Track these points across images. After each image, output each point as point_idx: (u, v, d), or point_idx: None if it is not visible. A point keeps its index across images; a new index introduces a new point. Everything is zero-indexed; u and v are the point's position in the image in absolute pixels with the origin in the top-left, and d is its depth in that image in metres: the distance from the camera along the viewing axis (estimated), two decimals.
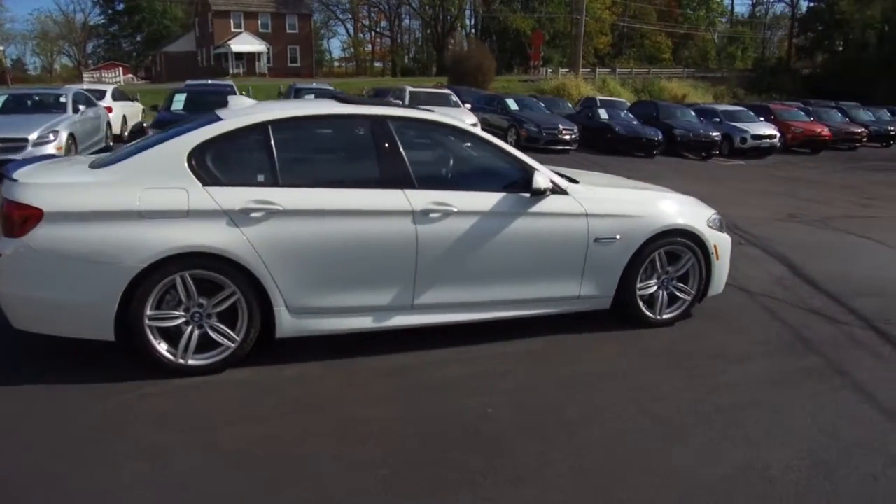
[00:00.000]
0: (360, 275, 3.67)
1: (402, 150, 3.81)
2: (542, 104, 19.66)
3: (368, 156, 3.82)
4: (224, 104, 13.38)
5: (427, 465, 2.77)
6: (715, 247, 4.60)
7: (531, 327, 4.26)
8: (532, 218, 3.99)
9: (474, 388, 3.53)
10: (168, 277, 3.32)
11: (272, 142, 3.61)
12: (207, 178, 3.43)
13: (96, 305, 3.28)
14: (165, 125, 11.39)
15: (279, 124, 3.67)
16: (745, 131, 19.72)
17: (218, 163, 3.50)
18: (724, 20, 67.03)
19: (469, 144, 4.20)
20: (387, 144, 3.79)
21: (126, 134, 15.14)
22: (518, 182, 4.03)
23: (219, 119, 3.66)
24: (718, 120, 20.78)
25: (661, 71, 44.93)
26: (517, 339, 4.19)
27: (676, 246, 4.47)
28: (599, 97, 26.52)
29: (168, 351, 3.41)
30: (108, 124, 13.00)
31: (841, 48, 42.19)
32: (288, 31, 49.29)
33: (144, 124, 17.78)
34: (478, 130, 4.15)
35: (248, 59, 46.53)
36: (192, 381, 3.41)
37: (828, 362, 4.17)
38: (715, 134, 18.97)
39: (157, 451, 2.78)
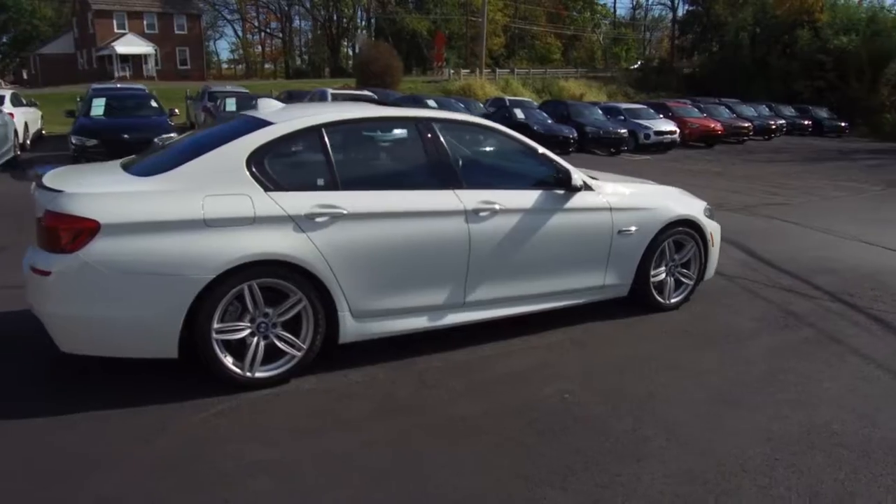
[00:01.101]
0: (417, 275, 3.69)
1: (448, 151, 3.87)
2: (462, 105, 19.95)
3: (418, 157, 3.85)
4: (143, 108, 12.72)
5: (544, 452, 2.87)
6: (711, 234, 4.97)
7: (554, 319, 4.41)
8: (566, 213, 4.17)
9: (541, 377, 3.66)
10: (236, 288, 3.20)
11: (328, 145, 3.56)
12: (269, 184, 3.34)
13: (160, 322, 3.12)
14: (90, 132, 10.72)
15: (332, 127, 3.63)
16: (649, 128, 20.98)
17: (276, 167, 3.41)
18: (606, 22, 70.62)
19: (503, 144, 4.30)
20: (435, 146, 3.84)
21: (28, 142, 14.00)
22: (551, 179, 4.19)
23: (267, 123, 3.55)
24: (623, 118, 21.96)
25: (557, 71, 46.67)
26: (550, 331, 4.35)
27: (682, 235, 4.80)
28: (508, 97, 27.18)
29: (234, 364, 3.29)
30: (16, 132, 11.97)
31: (718, 49, 45.47)
32: (176, 31, 46.97)
33: (43, 132, 16.51)
34: (511, 131, 4.28)
35: (135, 61, 43.94)
36: (261, 394, 3.32)
37: (820, 333, 4.63)
38: (622, 131, 20.06)
39: (268, 465, 2.70)
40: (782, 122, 28.19)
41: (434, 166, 3.83)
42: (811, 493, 2.66)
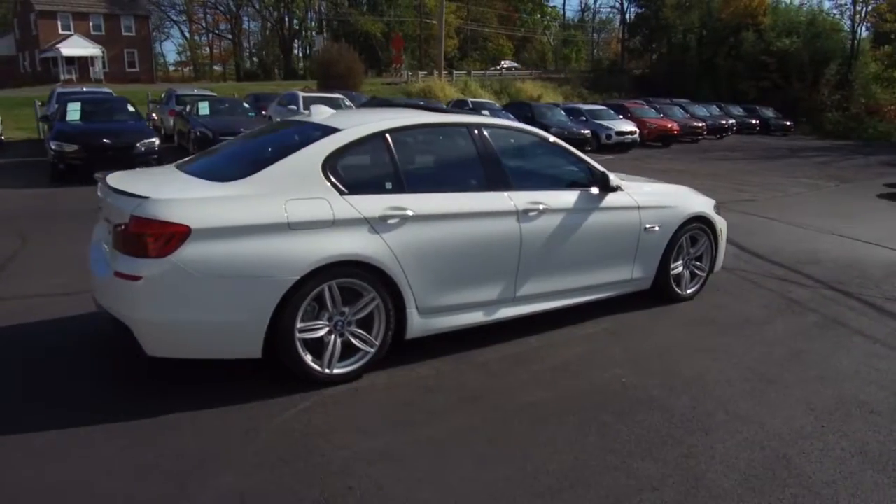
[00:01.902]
0: (475, 272, 3.91)
1: (498, 154, 4.10)
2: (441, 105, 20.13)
3: (472, 161, 4.07)
4: (120, 112, 12.50)
5: (622, 430, 3.14)
6: (720, 229, 5.34)
7: (582, 312, 4.68)
8: (601, 212, 4.45)
9: (592, 364, 3.94)
10: (317, 288, 3.36)
11: (392, 149, 3.74)
12: (343, 187, 3.50)
13: (248, 323, 3.25)
14: (69, 137, 10.51)
15: (396, 133, 3.81)
16: (610, 128, 21.63)
17: (349, 172, 3.57)
18: (556, 23, 71.87)
19: (543, 147, 4.55)
20: (486, 149, 4.07)
21: None
22: (587, 180, 4.47)
23: (335, 129, 3.71)
24: (585, 118, 22.58)
25: (512, 73, 47.30)
26: (583, 323, 4.62)
27: (696, 231, 5.15)
28: (470, 99, 27.53)
29: (314, 362, 3.44)
30: None
31: (666, 50, 46.94)
32: (124, 33, 45.68)
33: (2, 136, 15.99)
34: (548, 134, 4.54)
35: (81, 63, 42.55)
36: (340, 390, 3.46)
37: (824, 317, 5.04)
38: (585, 131, 20.66)
39: (377, 454, 2.87)
40: (733, 121, 29.39)
41: (486, 169, 4.06)
42: (861, 452, 3.00)
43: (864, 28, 37.38)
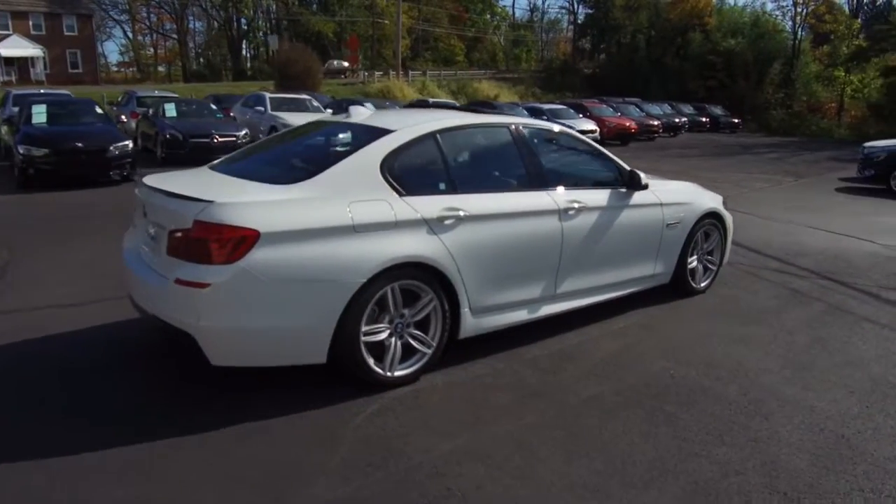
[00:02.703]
0: (521, 271, 3.97)
1: (537, 154, 4.17)
2: (398, 107, 20.08)
3: (514, 161, 4.13)
4: (87, 115, 12.12)
5: (687, 418, 3.25)
6: (728, 225, 5.55)
7: (606, 309, 4.76)
8: (630, 209, 4.58)
9: (636, 357, 4.05)
10: (381, 291, 3.35)
11: (444, 150, 3.77)
12: (401, 189, 3.50)
13: (315, 328, 3.22)
14: (38, 141, 10.09)
15: (444, 134, 3.83)
16: (572, 127, 21.70)
17: (404, 173, 3.58)
18: (505, 24, 72.59)
19: (575, 147, 4.64)
20: (528, 149, 4.14)
21: None
22: (616, 178, 4.59)
23: (387, 130, 3.70)
24: (546, 118, 22.86)
25: (468, 73, 47.59)
26: (612, 319, 4.73)
27: (709, 226, 5.34)
28: (431, 99, 27.63)
29: (377, 365, 3.43)
30: None
31: (616, 50, 48.02)
32: (66, 33, 43.96)
33: None
34: (580, 135, 4.63)
35: (20, 64, 40.78)
36: (402, 393, 3.46)
37: (829, 306, 5.30)
38: None
39: (463, 452, 2.89)
40: (685, 119, 30.33)
41: (527, 168, 4.12)
42: None
43: (803, 29, 38.94)
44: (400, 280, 3.42)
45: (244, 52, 59.24)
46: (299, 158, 3.98)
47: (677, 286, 5.23)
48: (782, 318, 4.92)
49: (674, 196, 4.97)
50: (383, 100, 27.08)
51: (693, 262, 5.30)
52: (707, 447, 3.00)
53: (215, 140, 13.12)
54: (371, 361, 3.41)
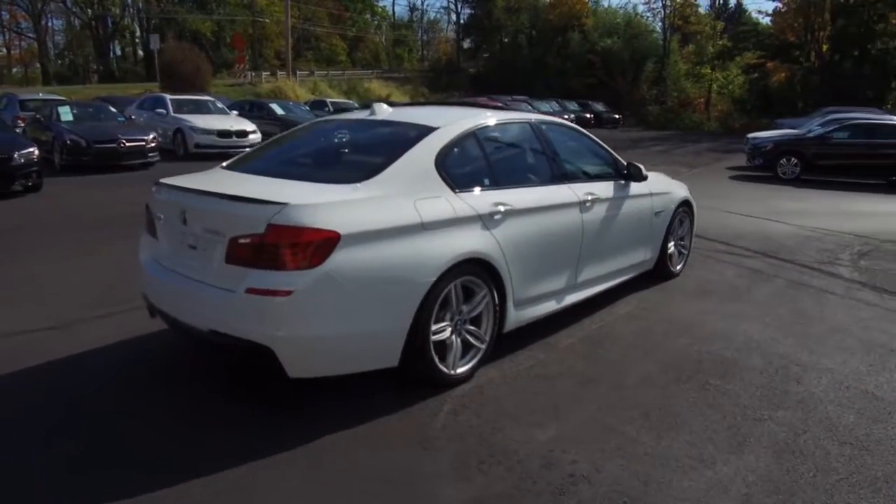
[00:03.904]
0: (552, 262, 4.10)
1: (557, 149, 4.33)
2: (305, 107, 19.67)
3: (539, 155, 4.25)
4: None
5: (736, 389, 3.53)
6: (695, 211, 5.99)
7: (605, 295, 4.96)
8: (630, 199, 4.85)
9: (661, 337, 4.32)
10: (447, 288, 3.36)
11: (483, 147, 3.82)
12: (454, 185, 3.52)
13: (392, 330, 3.17)
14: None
15: (482, 130, 3.89)
16: None
17: (454, 169, 3.59)
18: (386, 23, 72.58)
19: (582, 141, 4.83)
20: (550, 145, 4.29)
21: None
22: (615, 170, 4.84)
23: (432, 127, 3.68)
24: None
25: (356, 73, 47.21)
26: (615, 304, 4.98)
27: (683, 213, 5.74)
28: (329, 100, 27.24)
29: (441, 364, 3.44)
30: None
31: (499, 50, 49.41)
32: None
33: None
34: (582, 129, 4.83)
35: None
36: (466, 389, 3.47)
37: (788, 281, 5.88)
38: None
39: (565, 441, 2.98)
40: (572, 115, 31.70)
41: (550, 163, 4.27)
42: None
43: (671, 30, 41.94)
44: (461, 277, 3.44)
45: (113, 52, 55.25)
46: (345, 157, 3.89)
47: (659, 271, 5.58)
48: (757, 295, 5.39)
49: (658, 186, 5.30)
50: (284, 100, 26.36)
51: (671, 247, 5.67)
52: (768, 412, 3.28)
53: (122, 145, 12.28)
54: (436, 359, 3.41)
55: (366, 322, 3.10)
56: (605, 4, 47.70)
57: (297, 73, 41.52)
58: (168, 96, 16.23)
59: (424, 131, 3.66)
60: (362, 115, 4.38)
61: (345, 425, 3.07)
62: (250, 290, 2.92)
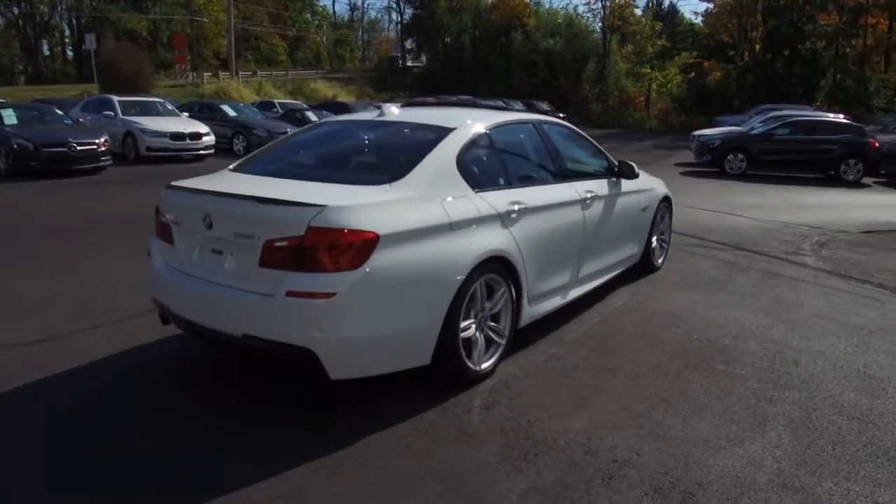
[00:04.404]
0: (559, 259, 4.24)
1: (559, 148, 4.47)
2: (255, 109, 19.33)
3: (545, 155, 4.38)
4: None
5: (743, 374, 3.74)
6: (672, 207, 6.26)
7: (596, 291, 5.16)
8: (622, 196, 5.04)
9: (660, 327, 4.51)
10: (473, 286, 3.43)
11: (496, 147, 3.92)
12: (474, 185, 3.60)
13: (426, 329, 3.22)
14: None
15: (493, 130, 3.98)
16: None
17: (472, 169, 3.67)
18: (327, 23, 71.81)
19: (577, 140, 4.98)
20: (552, 144, 4.42)
21: None
22: (607, 168, 5.02)
23: (449, 128, 3.75)
24: None
25: (300, 73, 46.57)
26: (608, 298, 5.16)
27: (664, 209, 5.99)
28: (277, 101, 26.78)
29: (468, 360, 3.51)
30: None
31: (443, 50, 49.61)
32: None
33: None
34: (577, 129, 4.98)
35: None
36: (490, 385, 3.54)
37: (761, 272, 6.22)
38: None
39: (611, 428, 3.12)
40: None
41: (554, 162, 4.41)
42: None
43: (611, 31, 43.05)
44: (485, 274, 3.52)
45: (42, 52, 52.69)
46: (366, 158, 3.91)
47: (644, 265, 5.80)
48: (736, 285, 5.67)
49: (644, 183, 5.52)
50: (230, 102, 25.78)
51: (654, 241, 5.90)
52: (776, 392, 3.50)
53: (73, 148, 11.81)
54: (465, 357, 3.48)
55: (402, 321, 3.15)
56: (547, 5, 48.37)
57: (240, 73, 40.61)
58: (115, 98, 15.67)
59: (443, 132, 3.72)
60: (370, 115, 4.41)
61: (383, 425, 3.10)
62: (291, 293, 2.93)
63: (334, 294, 2.91)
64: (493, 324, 3.70)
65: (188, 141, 14.87)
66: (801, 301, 5.20)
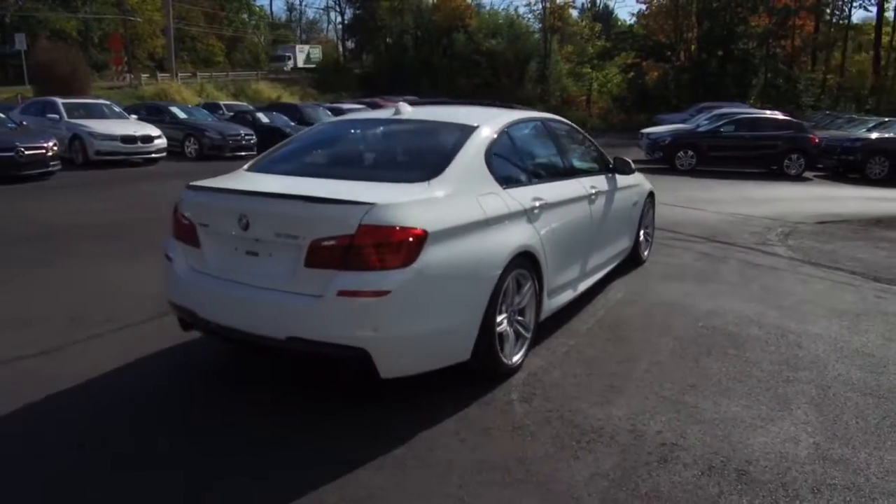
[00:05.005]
0: (572, 253, 4.35)
1: (566, 145, 4.59)
2: (206, 111, 18.84)
3: (551, 152, 4.50)
4: None
5: (756, 357, 3.94)
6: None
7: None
8: (619, 191, 5.21)
9: (664, 316, 4.69)
10: (506, 281, 3.49)
11: (515, 143, 4.00)
12: (501, 182, 3.67)
13: (468, 324, 3.25)
14: None
15: (512, 128, 4.05)
16: None
17: (498, 166, 3.72)
18: (264, 23, 70.48)
19: (577, 137, 5.11)
20: (560, 141, 4.56)
21: None
22: (605, 164, 5.18)
23: (473, 125, 3.79)
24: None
25: (241, 74, 45.60)
26: (608, 290, 5.32)
27: (649, 203, 6.21)
28: (223, 103, 26.23)
29: (501, 354, 3.57)
30: None
31: (385, 50, 49.47)
32: None
33: None
34: (576, 126, 5.12)
35: None
36: (521, 379, 3.61)
37: (741, 262, 6.54)
38: None
39: (651, 413, 3.23)
40: None
41: (562, 158, 4.54)
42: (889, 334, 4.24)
43: (551, 31, 43.85)
44: (516, 269, 3.59)
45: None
46: (396, 156, 3.89)
47: (632, 258, 6.00)
48: (722, 275, 5.94)
49: (633, 179, 5.70)
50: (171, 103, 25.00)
51: (641, 235, 6.11)
52: (792, 373, 3.72)
53: (21, 153, 11.25)
54: (500, 351, 3.53)
55: (448, 318, 3.18)
56: (488, 6, 48.83)
57: (179, 74, 39.41)
58: (59, 100, 14.98)
59: (468, 130, 3.77)
60: (386, 114, 4.39)
61: (430, 422, 3.12)
62: (343, 293, 2.91)
63: (388, 292, 2.91)
64: (520, 318, 3.77)
65: (139, 144, 14.39)
66: (785, 288, 5.49)
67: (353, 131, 4.43)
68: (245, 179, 3.63)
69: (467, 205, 3.34)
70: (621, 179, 5.31)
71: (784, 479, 2.69)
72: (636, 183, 5.74)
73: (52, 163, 11.89)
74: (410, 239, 2.96)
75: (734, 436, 3.02)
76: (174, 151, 16.08)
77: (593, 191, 4.65)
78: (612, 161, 5.26)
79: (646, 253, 6.31)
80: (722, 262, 6.45)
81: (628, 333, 4.35)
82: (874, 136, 15.58)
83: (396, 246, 2.94)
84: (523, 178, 3.97)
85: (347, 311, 2.94)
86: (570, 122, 5.24)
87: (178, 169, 14.26)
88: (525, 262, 3.68)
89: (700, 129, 16.10)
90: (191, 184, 3.59)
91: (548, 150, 4.54)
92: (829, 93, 35.21)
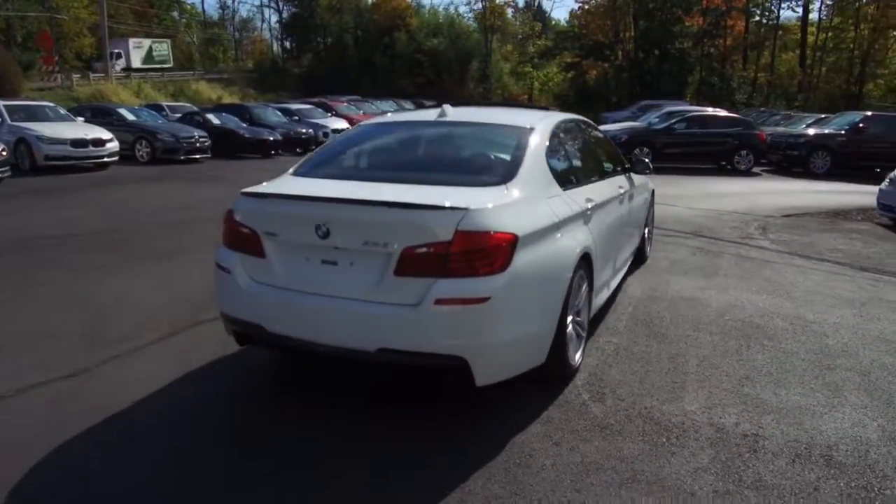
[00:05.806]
0: (610, 252, 4.44)
1: (596, 146, 4.72)
2: (155, 113, 18.16)
3: (588, 152, 4.61)
4: None
5: (787, 345, 4.17)
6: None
7: None
8: (635, 190, 5.38)
9: (689, 309, 4.88)
10: (573, 282, 3.54)
11: (564, 145, 4.08)
12: (560, 183, 3.73)
13: (547, 326, 3.27)
14: None
15: (558, 128, 4.11)
16: (327, 126, 22.35)
17: (554, 168, 3.76)
18: (196, 21, 68.33)
19: (601, 138, 5.23)
20: (593, 142, 4.66)
21: None
22: (623, 164, 5.33)
23: (529, 127, 3.82)
24: (298, 118, 22.86)
25: (177, 74, 44.06)
26: (624, 286, 5.48)
27: (651, 202, 6.42)
28: (165, 104, 25.31)
29: (568, 355, 3.64)
30: None
31: (324, 50, 48.79)
32: None
33: None
34: (597, 126, 5.26)
35: None
36: (583, 378, 3.71)
37: (734, 256, 6.84)
38: (308, 130, 21.04)
39: (718, 405, 3.38)
40: None
41: (597, 159, 4.66)
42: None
43: (492, 31, 44.33)
44: (579, 270, 3.65)
45: None
46: (460, 159, 3.85)
47: (638, 255, 6.20)
48: (722, 269, 6.21)
49: (642, 179, 5.89)
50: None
51: (646, 232, 6.32)
52: (828, 360, 3.96)
53: None
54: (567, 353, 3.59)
55: (535, 322, 3.20)
56: (428, 5, 48.87)
57: (113, 74, 37.74)
58: (2, 102, 14.15)
59: (525, 131, 3.78)
60: (431, 115, 4.32)
61: (515, 426, 3.16)
62: (441, 301, 2.87)
63: (488, 299, 2.89)
64: (578, 318, 3.84)
65: (91, 148, 13.75)
66: (788, 280, 5.79)
67: (404, 134, 4.39)
68: (313, 185, 3.54)
69: (542, 208, 3.38)
70: (636, 179, 5.48)
71: (867, 460, 2.87)
72: (642, 182, 5.92)
73: (1, 169, 11.22)
74: (505, 244, 2.97)
75: (806, 423, 3.19)
76: (124, 155, 15.41)
77: (622, 191, 4.79)
78: (638, 162, 5.42)
79: (648, 249, 6.52)
80: (717, 256, 6.73)
81: (664, 329, 4.50)
82: (811, 132, 16.47)
83: (493, 251, 2.94)
84: (573, 179, 4.04)
85: (446, 319, 2.90)
86: (593, 123, 5.36)
87: (129, 173, 13.74)
88: (583, 263, 3.76)
89: (654, 127, 16.64)
90: (246, 191, 3.47)
91: (586, 150, 4.64)
92: (761, 90, 37.02)
